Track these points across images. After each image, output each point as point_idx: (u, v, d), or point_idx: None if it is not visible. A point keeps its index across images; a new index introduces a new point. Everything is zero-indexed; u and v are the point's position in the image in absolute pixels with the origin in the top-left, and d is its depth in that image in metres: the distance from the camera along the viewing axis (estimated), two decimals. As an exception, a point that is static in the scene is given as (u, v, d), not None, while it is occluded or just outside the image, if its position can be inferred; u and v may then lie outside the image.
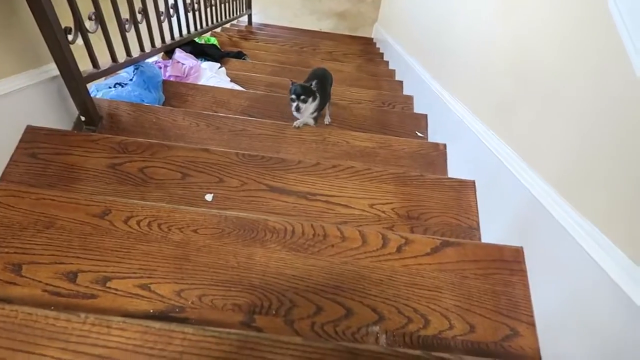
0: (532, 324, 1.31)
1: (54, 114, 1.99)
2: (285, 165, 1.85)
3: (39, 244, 1.29)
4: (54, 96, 1.97)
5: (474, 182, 1.89)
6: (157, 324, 0.98)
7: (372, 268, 1.37)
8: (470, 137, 1.99)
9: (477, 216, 1.81)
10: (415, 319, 1.28)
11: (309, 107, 2.21)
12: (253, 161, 1.83)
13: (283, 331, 1.21)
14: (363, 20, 6.37)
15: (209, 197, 1.70)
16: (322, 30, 6.02)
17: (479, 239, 1.75)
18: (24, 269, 1.23)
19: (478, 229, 1.78)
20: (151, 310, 1.20)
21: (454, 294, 1.34)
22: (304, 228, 1.44)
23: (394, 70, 4.14)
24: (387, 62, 4.57)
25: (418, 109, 3.06)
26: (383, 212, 1.77)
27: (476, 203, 1.84)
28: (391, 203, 1.80)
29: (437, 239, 1.47)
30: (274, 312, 1.24)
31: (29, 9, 1.59)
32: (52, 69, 1.87)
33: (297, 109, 2.16)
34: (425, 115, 2.77)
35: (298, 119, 2.27)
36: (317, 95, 2.22)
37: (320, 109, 2.34)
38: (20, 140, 1.76)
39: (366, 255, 1.40)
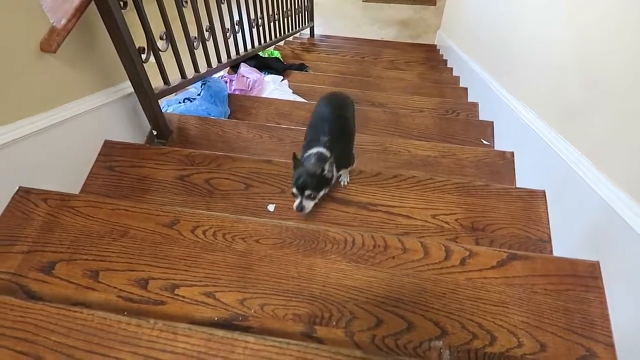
0: (611, 345, 1.22)
1: (129, 128, 2.12)
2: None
3: (114, 251, 1.37)
4: (129, 112, 2.11)
5: (544, 191, 1.80)
6: (220, 332, 1.01)
7: (435, 281, 1.34)
8: (539, 145, 1.90)
9: (548, 228, 1.72)
10: (480, 335, 1.23)
11: (321, 196, 1.61)
12: (314, 172, 1.85)
13: (343, 343, 1.20)
14: (425, 28, 6.28)
15: (271, 207, 1.74)
16: (384, 39, 6.00)
17: (551, 252, 1.66)
18: (101, 275, 1.32)
19: (549, 241, 1.68)
20: (215, 318, 1.24)
21: (522, 310, 1.28)
22: (364, 239, 1.43)
23: (458, 77, 4.04)
24: (451, 69, 4.48)
25: (483, 116, 2.97)
26: (446, 223, 1.73)
27: (547, 214, 1.75)
28: (455, 214, 1.75)
29: (504, 251, 1.41)
30: (334, 324, 1.24)
31: (107, 32, 1.72)
32: (127, 87, 2.00)
33: (300, 208, 1.55)
34: (491, 123, 2.68)
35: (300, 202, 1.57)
36: (332, 175, 1.60)
37: (351, 160, 1.80)
38: (99, 154, 1.89)
39: (428, 268, 1.37)
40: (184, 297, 1.28)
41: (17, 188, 1.48)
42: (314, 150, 1.62)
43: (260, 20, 3.61)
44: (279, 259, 1.38)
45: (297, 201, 1.53)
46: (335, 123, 1.74)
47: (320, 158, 1.56)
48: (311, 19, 5.70)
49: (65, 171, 1.72)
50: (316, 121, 1.80)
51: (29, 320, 1.02)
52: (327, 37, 6.07)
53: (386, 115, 2.76)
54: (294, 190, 1.52)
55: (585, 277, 1.34)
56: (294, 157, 1.59)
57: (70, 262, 1.34)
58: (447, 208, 1.76)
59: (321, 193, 1.56)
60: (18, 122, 1.44)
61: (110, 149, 1.91)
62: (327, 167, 1.50)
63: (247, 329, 1.21)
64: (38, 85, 1.53)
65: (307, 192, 1.51)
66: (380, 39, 6.02)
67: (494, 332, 1.24)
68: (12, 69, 1.41)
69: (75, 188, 1.76)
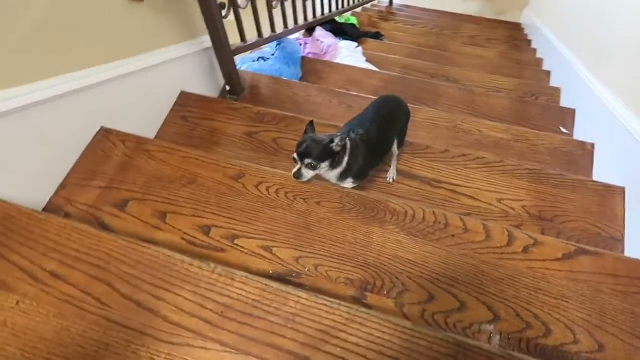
0: (677, 356, 1.15)
1: (204, 82, 2.18)
2: (412, 149, 1.82)
3: (183, 197, 1.44)
4: (206, 66, 2.16)
5: (623, 189, 1.69)
6: (275, 284, 1.04)
7: (493, 265, 1.30)
8: (624, 138, 1.77)
9: (623, 227, 1.61)
10: (535, 326, 1.20)
11: (326, 173, 1.46)
12: (380, 142, 1.83)
13: (392, 313, 1.21)
14: (512, 4, 5.91)
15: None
16: (466, 14, 5.72)
17: (622, 252, 1.56)
18: (168, 217, 1.38)
19: (622, 241, 1.59)
20: (271, 272, 1.28)
21: (584, 307, 1.22)
22: (425, 214, 1.41)
23: (542, 60, 3.81)
24: (534, 50, 4.22)
25: (565, 102, 2.79)
26: (512, 209, 1.66)
27: (623, 212, 1.64)
28: (522, 200, 1.68)
29: (572, 245, 1.35)
30: (385, 293, 1.25)
31: (191, -15, 1.75)
32: (206, 41, 2.05)
33: (299, 175, 1.39)
34: (573, 111, 2.51)
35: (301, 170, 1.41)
36: (346, 155, 1.44)
37: (361, 174, 1.56)
38: (175, 104, 1.96)
39: (488, 251, 1.34)
40: (242, 247, 1.32)
41: (100, 128, 1.56)
42: (342, 134, 1.41)
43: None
44: (337, 223, 1.39)
45: (296, 168, 1.39)
46: (379, 126, 1.58)
47: (342, 135, 1.37)
48: (392, -14, 5.54)
49: (144, 116, 1.81)
50: (362, 116, 1.63)
51: (102, 249, 1.09)
52: (407, 6, 5.88)
53: (460, 92, 2.67)
54: (295, 155, 1.37)
55: (659, 283, 1.26)
56: (310, 123, 1.45)
57: (141, 201, 1.41)
58: (515, 194, 1.70)
59: (323, 165, 1.38)
60: (106, 64, 1.52)
61: (185, 100, 1.98)
62: (337, 140, 1.35)
63: (299, 286, 1.24)
64: (125, 31, 1.60)
65: (307, 161, 1.35)
66: (462, 12, 5.75)
67: (549, 325, 1.19)
68: (101, 14, 1.48)
69: (150, 133, 1.84)
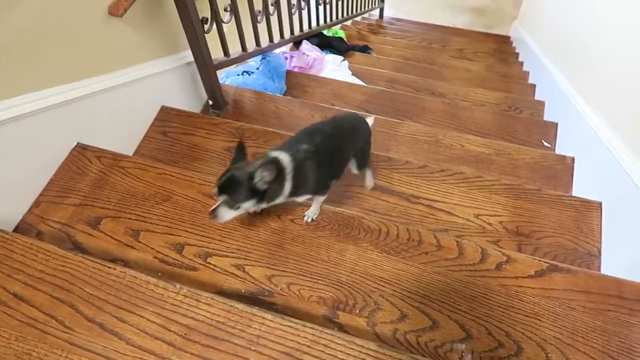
0: (648, 375, 1.15)
1: (186, 96, 2.18)
2: (391, 164, 1.82)
3: (156, 214, 1.43)
4: (188, 80, 2.17)
5: (600, 203, 1.69)
6: (240, 305, 1.03)
7: (466, 282, 1.30)
8: (603, 153, 1.78)
9: (600, 242, 1.62)
10: (507, 344, 1.19)
11: (266, 205, 1.24)
12: (360, 157, 1.83)
13: (364, 332, 1.20)
14: (501, 17, 5.97)
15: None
16: (456, 27, 5.77)
17: (598, 267, 1.57)
18: (141, 235, 1.38)
19: (598, 256, 1.59)
20: (242, 290, 1.27)
21: (556, 325, 1.22)
22: (399, 231, 1.41)
23: (528, 73, 3.84)
24: (521, 63, 4.25)
25: (549, 116, 2.81)
26: (489, 224, 1.66)
27: (600, 227, 1.65)
28: (499, 216, 1.68)
29: (545, 262, 1.35)
30: (357, 312, 1.24)
31: (172, 0, 1.75)
32: (188, 56, 2.05)
33: (214, 214, 1.14)
34: (556, 124, 2.53)
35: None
36: (286, 181, 1.20)
37: (319, 187, 1.34)
38: (155, 119, 1.96)
39: (461, 268, 1.33)
40: (215, 265, 1.31)
41: (76, 144, 1.56)
42: (276, 153, 1.22)
43: (327, -1, 3.57)
44: (311, 241, 1.38)
45: (215, 205, 1.14)
46: (330, 139, 1.37)
47: (270, 163, 1.11)
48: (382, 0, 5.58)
49: (122, 132, 1.80)
50: (310, 129, 1.40)
51: (68, 269, 1.08)
52: (397, 20, 5.92)
53: (444, 106, 2.68)
54: (214, 189, 1.13)
55: (630, 300, 1.25)
56: (239, 148, 1.21)
57: (115, 219, 1.41)
58: (493, 209, 1.70)
59: (245, 205, 1.13)
60: (83, 80, 1.52)
61: (166, 115, 1.98)
62: (258, 174, 1.09)
63: (271, 305, 1.23)
64: (104, 47, 1.60)
65: (222, 198, 1.11)
66: (452, 26, 5.80)
67: (521, 343, 1.19)
68: (80, 30, 1.48)
69: (130, 149, 1.84)
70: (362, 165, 1.62)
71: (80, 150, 1.56)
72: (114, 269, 1.08)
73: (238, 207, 1.13)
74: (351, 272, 1.31)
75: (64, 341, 0.98)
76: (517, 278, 1.31)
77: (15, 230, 1.37)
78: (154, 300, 1.04)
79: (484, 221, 1.66)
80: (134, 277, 1.07)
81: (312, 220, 1.43)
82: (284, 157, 1.20)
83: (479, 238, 1.62)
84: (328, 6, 3.64)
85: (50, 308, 1.02)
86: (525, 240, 1.62)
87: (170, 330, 0.99)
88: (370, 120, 1.64)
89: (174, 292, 1.05)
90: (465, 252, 1.36)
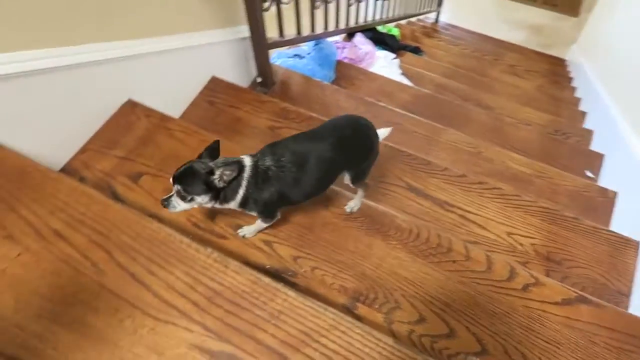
0: (663, 423, 1.12)
1: (237, 70, 2.21)
2: (430, 169, 1.81)
3: (195, 179, 1.46)
4: (240, 55, 2.19)
5: (638, 243, 1.65)
6: (266, 279, 1.05)
7: (489, 298, 1.29)
8: (649, 193, 1.73)
9: (631, 282, 1.58)
10: (521, 366, 1.18)
11: (215, 205, 1.13)
12: (399, 156, 1.83)
13: (380, 328, 1.20)
14: (559, 39, 5.81)
15: (348, 179, 1.74)
16: (511, 41, 5.65)
17: (626, 308, 1.53)
18: (178, 197, 1.41)
19: (628, 296, 1.55)
20: (267, 266, 1.29)
21: (574, 357, 1.20)
22: (430, 235, 1.40)
23: (580, 99, 3.74)
24: (574, 89, 4.14)
25: (596, 146, 2.73)
26: (520, 244, 1.64)
27: (634, 267, 1.60)
28: (532, 238, 1.65)
29: (574, 291, 1.32)
30: (377, 306, 1.24)
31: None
32: (244, 31, 2.07)
33: (166, 203, 1.09)
34: (602, 155, 2.46)
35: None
36: (241, 188, 1.12)
37: (266, 211, 1.23)
38: (204, 87, 1.99)
39: (487, 283, 1.32)
40: (244, 237, 1.33)
41: (127, 99, 1.60)
42: (244, 157, 1.14)
43: (389, -5, 3.55)
44: (341, 230, 1.39)
45: (169, 194, 1.09)
46: (322, 146, 1.20)
47: (234, 163, 1.07)
48: (440, 3, 5.50)
49: (172, 95, 1.84)
50: (304, 135, 1.26)
51: (108, 216, 1.12)
52: (452, 26, 5.83)
53: (489, 119, 2.64)
54: (170, 178, 1.07)
55: (656, 344, 1.22)
56: (212, 145, 1.13)
57: (155, 177, 1.44)
58: (526, 230, 1.67)
59: (199, 199, 1.07)
60: (143, 39, 1.56)
61: (215, 85, 2.01)
62: (220, 172, 1.05)
63: (293, 285, 1.25)
64: (167, 10, 1.63)
65: (177, 188, 1.06)
66: (507, 40, 5.68)
67: (536, 368, 1.18)
68: (149, -10, 1.52)
69: (176, 112, 1.87)
70: (357, 179, 1.37)
71: (131, 106, 1.59)
72: (151, 223, 1.11)
73: (191, 200, 1.07)
74: (376, 267, 1.31)
75: (95, 283, 1.01)
76: (543, 302, 1.29)
77: (60, 172, 1.41)
78: (185, 260, 1.06)
79: (516, 241, 1.64)
80: (169, 234, 1.10)
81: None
82: (248, 163, 1.12)
83: (508, 257, 1.60)
84: (386, 3, 3.62)
85: (86, 250, 1.06)
86: (554, 267, 1.59)
87: (196, 291, 1.01)
88: (385, 132, 1.45)
89: (205, 256, 1.07)
90: (494, 268, 1.35)
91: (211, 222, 1.36)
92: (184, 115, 1.90)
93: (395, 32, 4.02)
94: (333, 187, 1.48)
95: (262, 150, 1.20)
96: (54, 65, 1.24)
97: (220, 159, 1.10)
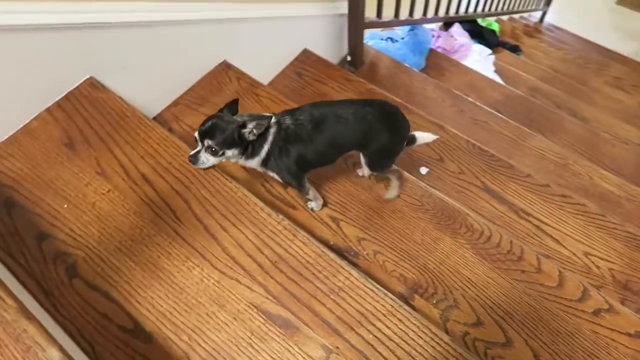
0: None
1: (328, 46, 2.21)
2: (511, 172, 1.73)
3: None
4: (334, 31, 2.19)
5: None
6: (331, 254, 1.06)
7: (555, 315, 1.23)
8: None
9: None
10: (578, 391, 1.12)
11: (240, 161, 1.15)
12: (481, 155, 1.76)
13: (434, 323, 1.18)
14: (678, 55, 5.29)
15: (423, 170, 1.71)
16: (619, 52, 5.22)
17: None
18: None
19: None
20: (331, 242, 1.30)
21: (640, 393, 1.12)
22: (502, 241, 1.36)
23: (691, 124, 3.40)
24: (686, 111, 3.78)
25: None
26: (597, 267, 1.54)
27: None
28: (612, 262, 1.55)
29: (651, 325, 1.23)
30: (434, 302, 1.22)
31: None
32: (342, 7, 2.06)
33: (195, 159, 1.08)
34: None
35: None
36: (266, 143, 1.12)
37: (289, 173, 1.19)
38: (295, 59, 2.01)
39: (555, 300, 1.26)
40: (312, 210, 1.35)
41: (222, 60, 1.65)
42: (272, 114, 1.14)
43: (495, -13, 3.38)
44: (410, 220, 1.37)
45: (195, 150, 1.09)
46: (337, 126, 1.18)
47: (265, 117, 1.09)
48: (548, 3, 5.17)
49: (263, 62, 1.88)
50: (328, 101, 1.31)
51: (191, 169, 1.17)
52: (557, 28, 5.47)
53: (583, 131, 2.47)
54: (196, 134, 1.07)
55: None
56: (232, 102, 1.12)
57: (237, 139, 1.49)
58: (606, 253, 1.57)
59: (229, 152, 1.08)
60: (243, 4, 1.60)
61: (306, 57, 2.03)
62: (252, 125, 1.06)
63: (354, 265, 1.25)
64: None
65: (207, 143, 1.05)
66: (615, 50, 5.26)
67: (595, 397, 1.12)
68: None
69: (265, 79, 1.91)
70: (373, 166, 1.33)
71: (225, 67, 1.65)
72: (230, 182, 1.15)
73: (222, 154, 1.07)
74: (440, 263, 1.29)
75: (171, 229, 1.08)
76: (613, 331, 1.22)
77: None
78: (256, 222, 1.09)
79: (592, 262, 1.54)
80: (245, 195, 1.13)
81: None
82: (274, 119, 1.13)
83: (581, 277, 1.51)
84: (492, -5, 3.46)
85: (168, 197, 1.12)
86: (631, 297, 1.49)
87: (263, 253, 1.05)
88: (428, 137, 1.38)
89: (276, 221, 1.10)
90: (566, 286, 1.28)
91: (284, 190, 1.39)
92: (272, 83, 1.93)
93: (495, 27, 3.84)
94: (408, 175, 1.46)
95: (283, 112, 1.19)
96: (163, 19, 1.31)
97: (246, 114, 1.11)
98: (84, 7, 1.15)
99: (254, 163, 1.16)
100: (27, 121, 1.19)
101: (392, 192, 1.42)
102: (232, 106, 1.12)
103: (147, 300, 0.99)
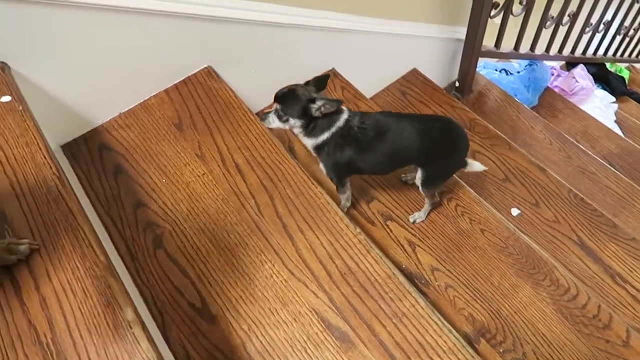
0: None
1: (438, 68, 2.18)
2: (613, 232, 1.59)
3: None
4: (447, 55, 2.16)
5: None
6: (402, 278, 1.04)
7: (637, 397, 1.11)
8: None
9: None
10: None
11: (300, 135, 1.19)
12: (582, 207, 1.64)
13: (497, 373, 1.12)
14: None
15: (515, 211, 1.62)
16: None
17: None
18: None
19: None
20: (404, 266, 1.28)
21: None
22: (589, 303, 1.25)
23: None
24: None
25: None
26: (698, 356, 1.36)
27: None
28: None
29: None
30: (501, 350, 1.16)
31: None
32: (460, 32, 2.03)
33: (264, 116, 1.17)
34: None
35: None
36: (327, 131, 1.15)
37: (333, 169, 1.23)
38: (402, 77, 2.01)
39: (639, 380, 1.14)
40: (391, 230, 1.34)
41: (331, 68, 1.69)
42: (352, 114, 1.17)
43: (632, 31, 3.12)
44: (490, 260, 1.31)
45: (269, 110, 1.15)
46: (401, 137, 1.20)
47: (338, 102, 1.10)
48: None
49: (370, 75, 1.90)
50: (395, 113, 1.28)
51: (282, 167, 1.21)
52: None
53: None
54: (274, 95, 1.13)
55: None
56: (320, 78, 1.17)
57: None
58: None
59: (293, 122, 1.12)
60: (360, 16, 1.64)
61: (413, 77, 2.02)
62: (320, 103, 1.08)
63: (422, 294, 1.22)
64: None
65: (277, 106, 1.12)
66: None
67: None
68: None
69: (369, 93, 1.92)
70: (427, 183, 1.29)
71: (332, 75, 1.69)
72: (315, 187, 1.17)
73: (286, 120, 1.12)
74: (515, 312, 1.22)
75: (252, 221, 1.12)
76: None
77: (255, 115, 1.57)
78: (333, 231, 1.10)
79: (694, 349, 1.37)
80: (327, 202, 1.15)
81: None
82: (345, 113, 1.15)
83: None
84: (627, 39, 3.20)
85: (255, 190, 1.17)
86: None
87: (334, 263, 1.06)
88: (477, 166, 1.34)
89: (352, 234, 1.10)
90: (655, 368, 1.15)
91: (366, 205, 1.39)
92: (374, 98, 1.95)
93: (626, 74, 3.54)
94: (497, 213, 1.40)
95: (356, 112, 1.20)
96: (284, 22, 1.39)
97: (324, 95, 1.14)
98: (216, 2, 1.24)
99: (310, 143, 1.19)
100: (146, 97, 1.32)
101: (419, 214, 1.39)
102: (321, 81, 1.17)
103: (217, 284, 1.04)
